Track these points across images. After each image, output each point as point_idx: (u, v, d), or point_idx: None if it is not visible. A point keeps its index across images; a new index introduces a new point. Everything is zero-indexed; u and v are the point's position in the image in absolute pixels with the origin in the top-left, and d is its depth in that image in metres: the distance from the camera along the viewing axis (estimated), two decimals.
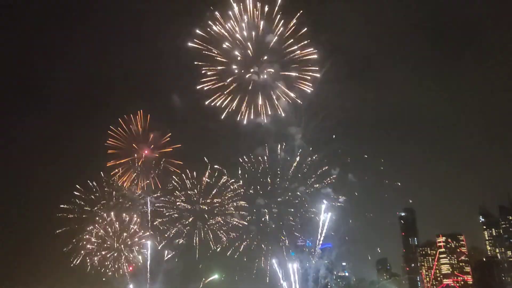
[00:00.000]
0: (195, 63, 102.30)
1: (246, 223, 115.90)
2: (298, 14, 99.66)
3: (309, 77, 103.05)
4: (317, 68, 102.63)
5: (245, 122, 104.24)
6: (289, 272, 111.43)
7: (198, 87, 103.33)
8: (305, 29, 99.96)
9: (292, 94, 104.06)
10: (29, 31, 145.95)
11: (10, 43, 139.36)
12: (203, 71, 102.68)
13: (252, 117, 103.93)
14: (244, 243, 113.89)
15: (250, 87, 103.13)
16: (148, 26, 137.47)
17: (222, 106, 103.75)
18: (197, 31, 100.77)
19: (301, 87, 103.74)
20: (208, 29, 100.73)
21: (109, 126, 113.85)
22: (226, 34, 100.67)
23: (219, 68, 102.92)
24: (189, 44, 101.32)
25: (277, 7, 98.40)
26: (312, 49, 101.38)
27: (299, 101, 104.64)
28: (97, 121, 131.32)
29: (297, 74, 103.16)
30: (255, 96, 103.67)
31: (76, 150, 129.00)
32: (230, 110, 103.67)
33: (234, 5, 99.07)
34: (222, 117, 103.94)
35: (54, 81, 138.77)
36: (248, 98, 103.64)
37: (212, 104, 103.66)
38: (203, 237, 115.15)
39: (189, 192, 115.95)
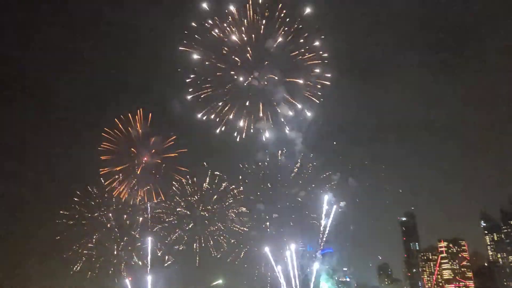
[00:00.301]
0: (195, 69, 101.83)
1: (247, 229, 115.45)
2: (299, 18, 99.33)
3: (311, 84, 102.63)
4: (320, 73, 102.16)
5: (243, 136, 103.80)
6: (290, 276, 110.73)
7: (196, 94, 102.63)
8: (306, 34, 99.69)
9: (292, 100, 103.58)
10: (29, 32, 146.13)
11: (9, 43, 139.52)
12: (202, 78, 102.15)
13: (252, 126, 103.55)
14: (244, 249, 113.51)
15: (250, 94, 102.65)
16: (147, 28, 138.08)
17: (221, 114, 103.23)
18: (196, 36, 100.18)
19: (304, 94, 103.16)
20: (208, 34, 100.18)
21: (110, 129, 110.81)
22: (225, 38, 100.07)
23: (218, 74, 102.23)
24: (188, 49, 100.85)
25: (277, 11, 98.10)
26: (314, 54, 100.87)
27: (300, 106, 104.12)
28: (99, 124, 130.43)
29: (299, 80, 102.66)
30: (256, 103, 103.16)
31: (76, 154, 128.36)
32: (229, 118, 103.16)
33: (234, 8, 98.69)
34: (222, 125, 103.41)
35: (54, 82, 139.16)
36: (248, 105, 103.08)
37: (211, 111, 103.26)
38: (203, 243, 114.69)
39: (189, 198, 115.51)
